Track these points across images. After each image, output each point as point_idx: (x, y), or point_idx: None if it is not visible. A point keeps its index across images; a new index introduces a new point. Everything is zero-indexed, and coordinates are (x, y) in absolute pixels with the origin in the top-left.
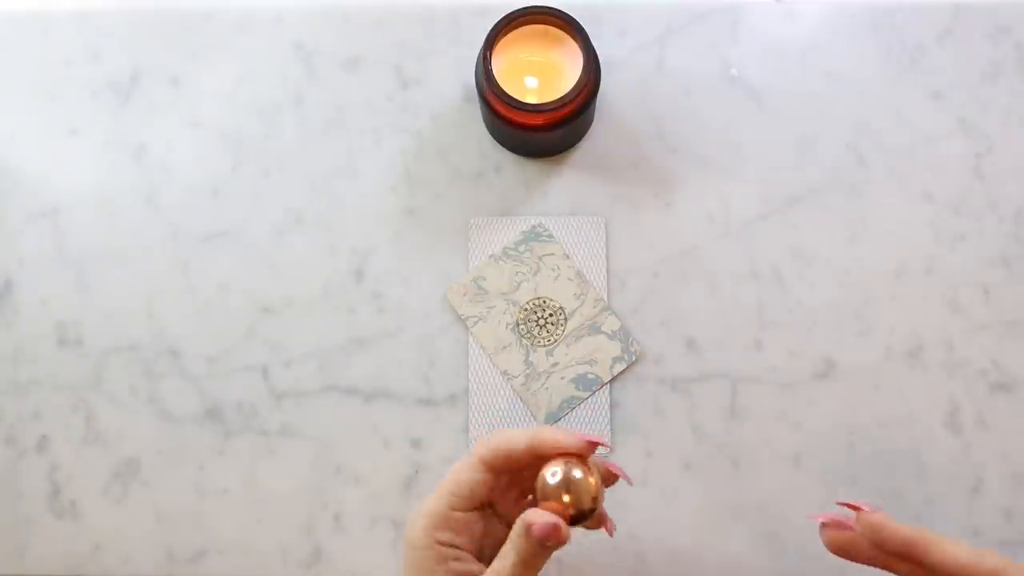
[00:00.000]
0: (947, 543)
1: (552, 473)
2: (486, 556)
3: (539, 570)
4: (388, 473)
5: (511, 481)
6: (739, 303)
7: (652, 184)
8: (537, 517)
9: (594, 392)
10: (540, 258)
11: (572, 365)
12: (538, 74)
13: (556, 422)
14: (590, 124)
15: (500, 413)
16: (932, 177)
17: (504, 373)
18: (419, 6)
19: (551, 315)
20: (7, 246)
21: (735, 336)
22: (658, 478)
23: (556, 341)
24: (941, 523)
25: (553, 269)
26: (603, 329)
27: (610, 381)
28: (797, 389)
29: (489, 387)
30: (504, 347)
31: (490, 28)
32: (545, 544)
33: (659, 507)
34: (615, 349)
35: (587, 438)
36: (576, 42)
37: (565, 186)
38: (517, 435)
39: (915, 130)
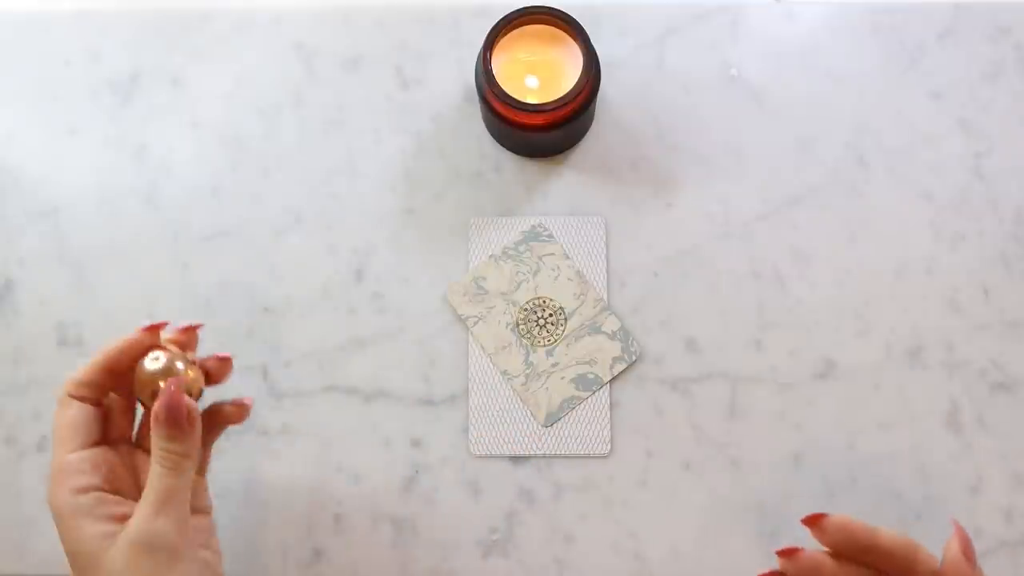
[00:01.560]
0: (883, 529)
1: (153, 358)
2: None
3: (189, 476)
4: (388, 473)
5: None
6: (739, 303)
7: (652, 184)
8: (156, 404)
9: (594, 392)
10: (540, 258)
11: (572, 365)
12: (538, 74)
13: (556, 423)
14: (590, 124)
15: (500, 413)
16: (932, 177)
17: (504, 373)
18: (419, 6)
19: (551, 315)
20: (7, 246)
21: (735, 336)
22: (658, 478)
23: (556, 341)
24: (941, 523)
25: (553, 269)
26: (603, 329)
27: (610, 381)
28: (797, 389)
29: (489, 387)
30: (504, 347)
31: (490, 28)
32: (178, 424)
33: (659, 507)
34: (615, 349)
35: (181, 326)
36: (576, 42)
37: (565, 186)
38: (107, 349)
39: (915, 130)
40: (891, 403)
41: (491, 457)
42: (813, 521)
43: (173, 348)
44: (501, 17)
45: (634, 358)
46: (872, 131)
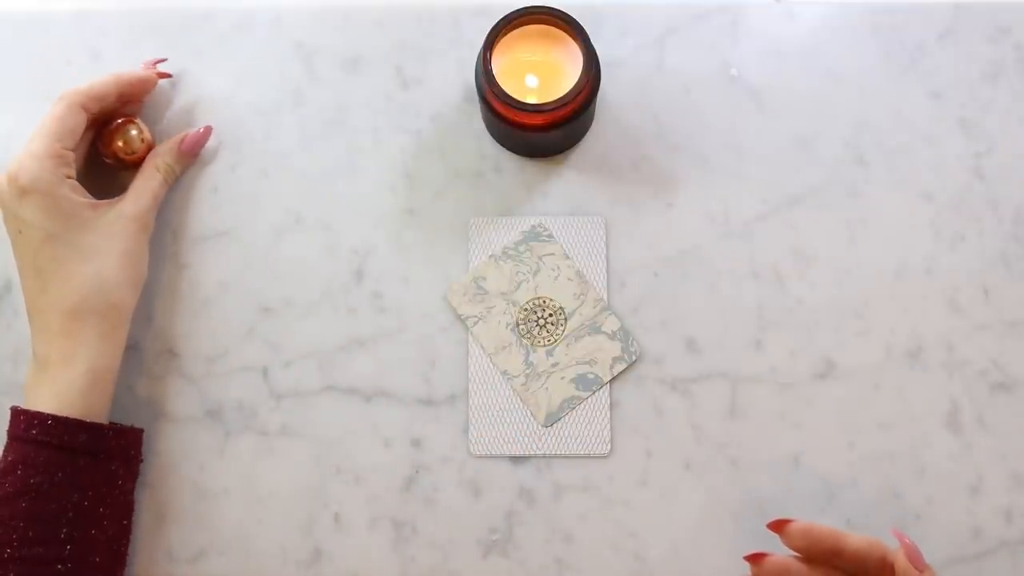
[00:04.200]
0: (849, 534)
1: (117, 126)
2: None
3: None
4: (388, 473)
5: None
6: (739, 303)
7: (652, 184)
8: (188, 135)
9: (594, 392)
10: (540, 258)
11: (572, 365)
12: (538, 74)
13: (556, 423)
14: (590, 124)
15: (500, 413)
16: (932, 177)
17: (504, 373)
18: (419, 6)
19: (551, 315)
20: (7, 246)
21: (735, 336)
22: (658, 478)
23: (556, 341)
24: (941, 523)
25: (553, 269)
26: (603, 329)
27: (610, 381)
28: (797, 389)
29: (489, 387)
30: (504, 347)
31: (490, 28)
32: (193, 156)
33: (659, 507)
34: (615, 349)
35: (156, 70)
36: (576, 42)
37: (565, 186)
38: (107, 81)
39: (915, 130)
40: (891, 403)
41: (491, 457)
42: (778, 527)
43: (137, 121)
44: (501, 17)
45: (634, 358)
46: (872, 131)
